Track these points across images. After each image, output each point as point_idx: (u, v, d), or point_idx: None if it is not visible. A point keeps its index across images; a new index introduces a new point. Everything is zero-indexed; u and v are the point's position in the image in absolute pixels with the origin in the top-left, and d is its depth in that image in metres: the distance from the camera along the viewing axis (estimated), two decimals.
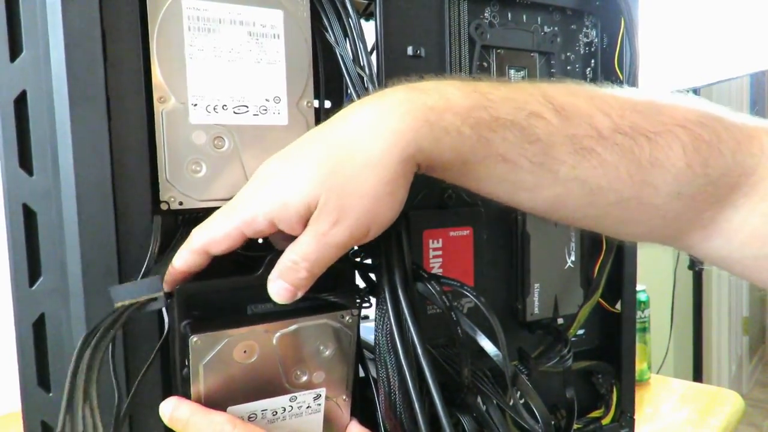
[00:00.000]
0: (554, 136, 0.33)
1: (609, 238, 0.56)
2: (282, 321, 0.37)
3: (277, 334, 0.37)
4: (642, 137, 0.33)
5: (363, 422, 0.42)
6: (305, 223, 0.33)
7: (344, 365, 0.40)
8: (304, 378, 0.38)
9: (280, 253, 0.36)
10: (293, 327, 0.37)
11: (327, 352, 0.39)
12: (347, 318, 0.39)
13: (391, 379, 0.40)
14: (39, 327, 0.38)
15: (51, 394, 0.38)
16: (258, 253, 0.39)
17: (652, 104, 0.35)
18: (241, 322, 0.36)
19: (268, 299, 0.36)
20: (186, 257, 0.35)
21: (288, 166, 0.34)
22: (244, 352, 0.36)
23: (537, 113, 0.33)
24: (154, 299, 0.34)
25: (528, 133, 0.32)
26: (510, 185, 0.35)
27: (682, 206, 0.35)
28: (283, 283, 0.34)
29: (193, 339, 0.34)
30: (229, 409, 0.36)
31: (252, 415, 0.37)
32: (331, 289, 0.40)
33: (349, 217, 0.32)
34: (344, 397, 0.41)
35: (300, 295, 0.35)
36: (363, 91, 0.42)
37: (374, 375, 0.46)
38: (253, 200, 0.34)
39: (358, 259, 0.44)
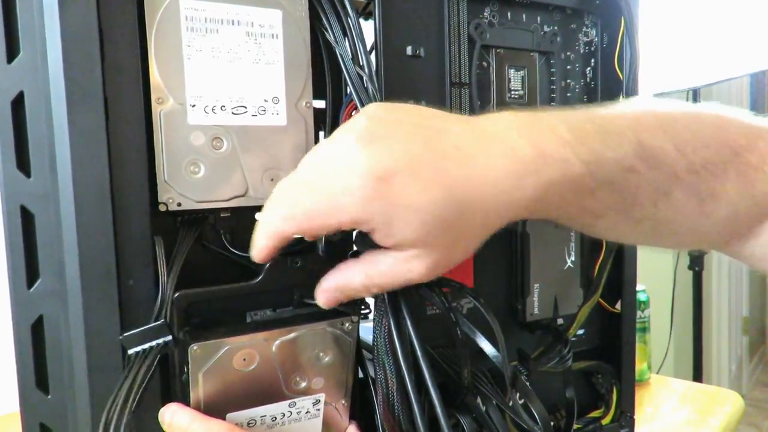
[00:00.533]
0: (642, 187, 0.34)
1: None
2: (281, 329, 0.37)
3: (277, 342, 0.37)
4: (708, 174, 0.35)
5: (361, 423, 0.42)
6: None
7: (343, 371, 0.40)
8: (303, 384, 0.39)
9: (278, 260, 0.37)
10: (292, 335, 0.37)
11: (326, 359, 0.39)
12: (347, 325, 0.39)
13: (390, 381, 0.40)
14: (37, 328, 0.38)
15: (49, 396, 0.38)
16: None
17: (717, 134, 0.36)
18: (240, 329, 0.37)
19: (268, 305, 0.36)
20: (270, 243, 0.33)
21: (410, 176, 0.30)
22: (244, 359, 0.36)
23: (632, 168, 0.33)
24: (165, 344, 0.35)
25: (621, 189, 0.34)
26: (584, 227, 0.37)
27: (728, 226, 0.37)
28: (339, 295, 0.34)
29: (193, 347, 0.34)
30: (229, 415, 0.36)
31: (251, 421, 0.37)
32: None
33: (445, 266, 0.32)
34: (343, 402, 0.41)
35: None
36: (362, 91, 0.42)
37: (373, 376, 0.46)
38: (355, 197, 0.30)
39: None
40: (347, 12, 0.42)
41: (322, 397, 0.39)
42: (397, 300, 0.38)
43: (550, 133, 0.32)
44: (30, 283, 0.37)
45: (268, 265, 0.39)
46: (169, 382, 0.38)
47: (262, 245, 0.33)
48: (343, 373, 0.40)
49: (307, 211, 0.30)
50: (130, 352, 0.34)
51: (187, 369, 0.35)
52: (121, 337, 0.35)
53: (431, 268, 0.32)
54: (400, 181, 0.29)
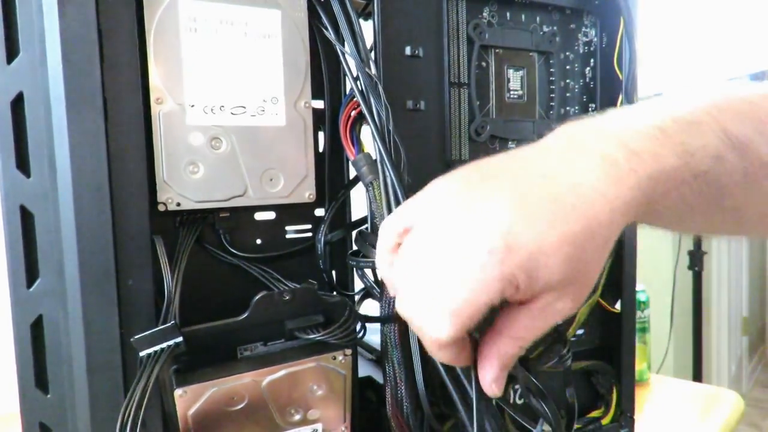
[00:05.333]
0: (733, 175, 0.33)
1: None
2: (270, 367, 0.37)
3: (266, 381, 0.37)
4: None
5: (364, 422, 0.42)
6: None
7: (341, 400, 0.40)
8: (298, 416, 0.38)
9: (265, 295, 0.37)
10: (282, 372, 0.37)
11: (320, 392, 0.39)
12: (339, 358, 0.39)
13: (398, 376, 0.40)
14: (37, 328, 0.38)
15: (49, 396, 0.38)
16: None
17: None
18: (227, 370, 0.36)
19: (258, 339, 0.36)
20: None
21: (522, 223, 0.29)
22: (233, 398, 0.36)
23: (722, 156, 0.32)
24: (176, 345, 0.35)
25: (714, 179, 0.32)
26: (681, 222, 0.35)
27: None
28: (506, 373, 0.33)
29: (178, 392, 0.34)
30: None
31: None
32: (323, 326, 0.40)
33: (587, 292, 0.31)
34: (343, 428, 0.40)
35: None
36: (362, 90, 0.42)
37: (370, 375, 0.46)
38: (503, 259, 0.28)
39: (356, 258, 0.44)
40: (347, 12, 0.42)
41: (319, 427, 0.39)
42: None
43: (633, 131, 0.31)
44: (29, 282, 0.37)
45: (255, 300, 0.39)
46: (165, 406, 0.38)
47: (458, 363, 0.32)
48: (341, 403, 0.40)
49: (453, 309, 0.29)
50: (142, 354, 0.35)
51: (175, 410, 0.35)
52: (132, 340, 0.35)
53: (577, 301, 0.31)
54: (522, 233, 0.28)
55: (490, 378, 0.32)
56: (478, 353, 0.32)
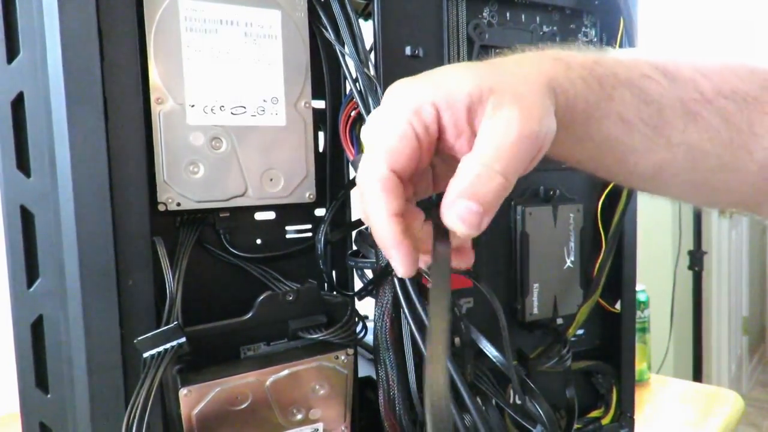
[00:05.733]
0: (665, 98, 0.33)
1: (608, 238, 0.56)
2: (274, 366, 0.37)
3: (270, 380, 0.37)
4: (742, 101, 0.33)
5: (362, 422, 0.42)
6: (472, 123, 0.29)
7: (342, 400, 0.40)
8: (300, 416, 0.38)
9: (269, 295, 0.37)
10: (286, 372, 0.37)
11: (322, 392, 0.39)
12: (342, 358, 0.39)
13: (390, 378, 0.40)
14: (37, 328, 0.38)
15: (49, 396, 0.38)
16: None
17: (746, 68, 0.35)
18: (231, 369, 0.37)
19: (261, 339, 0.36)
20: (380, 198, 0.29)
21: (444, 70, 0.32)
22: (237, 398, 0.36)
23: (648, 75, 0.33)
24: (179, 345, 0.35)
25: (644, 94, 0.33)
26: (623, 148, 0.34)
27: None
28: (467, 203, 0.27)
29: (183, 392, 0.35)
30: None
31: None
32: (325, 326, 0.40)
33: (527, 100, 0.29)
34: (343, 428, 0.40)
35: (486, 224, 0.28)
36: (361, 91, 0.42)
37: (370, 375, 0.46)
38: (413, 91, 0.30)
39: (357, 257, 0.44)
40: (347, 12, 0.42)
41: (320, 426, 0.39)
42: (409, 294, 0.39)
43: (565, 54, 0.34)
44: (30, 282, 0.37)
45: (259, 300, 0.39)
46: (166, 409, 0.38)
47: (405, 153, 0.30)
48: (342, 402, 0.40)
49: (380, 147, 0.29)
50: (145, 355, 0.35)
51: (180, 409, 0.35)
52: (135, 341, 0.35)
53: (523, 113, 0.29)
54: (443, 81, 0.30)
55: (452, 195, 0.28)
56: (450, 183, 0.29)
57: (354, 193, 0.33)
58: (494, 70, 0.31)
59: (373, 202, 0.29)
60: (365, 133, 0.32)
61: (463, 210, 0.28)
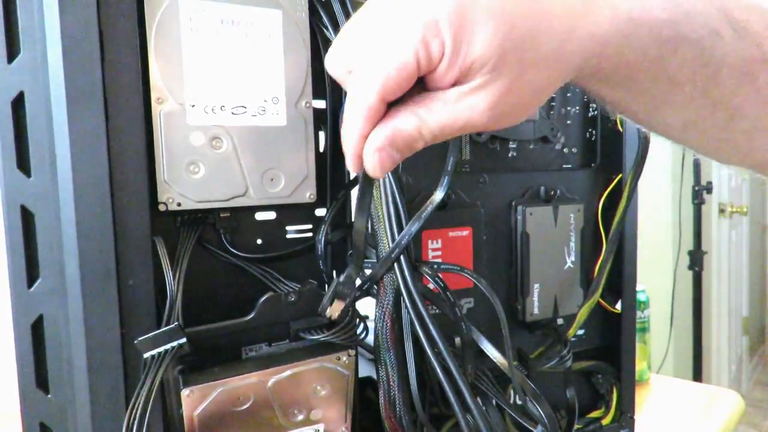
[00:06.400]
0: (727, 57, 0.30)
1: (608, 238, 0.56)
2: (276, 367, 0.37)
3: (272, 381, 0.37)
4: None
5: (363, 422, 0.42)
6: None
7: (343, 400, 0.40)
8: (301, 416, 0.38)
9: (271, 296, 0.37)
10: (288, 372, 0.37)
11: (324, 392, 0.39)
12: (344, 359, 0.39)
13: (391, 378, 0.40)
14: (37, 328, 0.38)
15: (49, 396, 0.38)
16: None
17: None
18: (233, 370, 0.36)
19: (263, 340, 0.36)
20: (364, 125, 0.29)
21: None
22: (239, 399, 0.36)
23: (717, 31, 0.29)
24: (180, 346, 0.35)
25: (706, 54, 0.30)
26: (660, 104, 0.32)
27: None
28: (393, 152, 0.29)
29: (185, 392, 0.34)
30: None
31: None
32: (327, 327, 0.40)
33: (511, 107, 0.28)
34: (344, 429, 0.40)
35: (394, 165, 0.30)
36: None
37: (370, 375, 0.46)
38: (427, 6, 0.26)
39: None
40: (348, 11, 0.42)
41: (321, 427, 0.39)
42: (414, 298, 0.39)
43: None
44: (30, 282, 0.37)
45: (261, 301, 0.39)
46: (167, 407, 0.38)
47: (359, 145, 0.29)
48: (343, 403, 0.40)
49: (377, 69, 0.27)
50: (146, 356, 0.35)
51: (182, 410, 0.35)
52: (136, 342, 0.35)
53: (495, 105, 0.28)
54: None
55: (375, 146, 0.29)
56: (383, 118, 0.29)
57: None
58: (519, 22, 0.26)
59: (353, 122, 0.29)
60: (361, 38, 0.29)
61: (385, 157, 0.29)
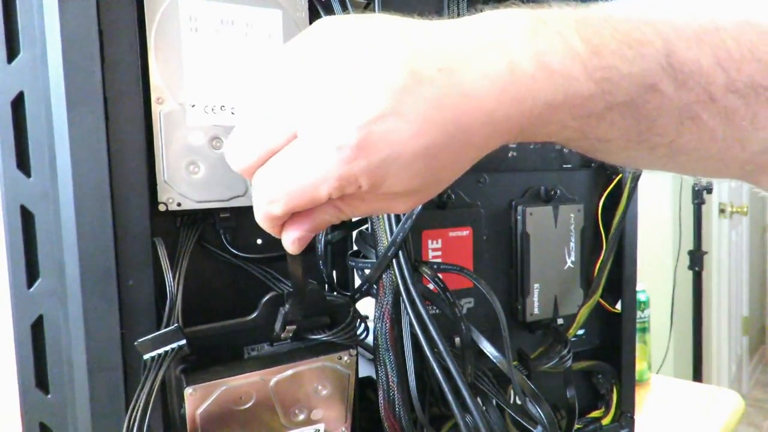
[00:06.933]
0: (664, 109, 0.28)
1: (608, 238, 0.56)
2: (278, 366, 0.37)
3: (274, 380, 0.37)
4: (752, 93, 0.28)
5: (362, 422, 0.42)
6: None
7: (343, 400, 0.40)
8: (302, 416, 0.39)
9: (274, 296, 0.37)
10: (290, 371, 0.37)
11: (325, 392, 0.39)
12: (345, 358, 0.39)
13: (390, 378, 0.40)
14: (37, 328, 0.38)
15: (49, 396, 0.38)
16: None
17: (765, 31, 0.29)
18: (236, 369, 0.36)
19: (265, 340, 0.36)
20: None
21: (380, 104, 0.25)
22: (241, 398, 0.36)
23: (655, 86, 0.27)
24: (180, 347, 0.35)
25: (638, 113, 0.28)
26: (593, 152, 0.31)
27: (766, 159, 0.31)
28: (310, 236, 0.30)
29: (188, 390, 0.34)
30: None
31: None
32: (328, 327, 0.40)
33: (429, 199, 0.29)
34: (343, 429, 0.40)
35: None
36: None
37: (370, 375, 0.46)
38: (340, 156, 0.25)
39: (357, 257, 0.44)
40: (347, 11, 0.42)
41: (321, 427, 0.39)
42: (414, 300, 0.39)
43: (558, 41, 0.26)
44: (30, 282, 0.37)
45: (263, 300, 0.39)
46: (168, 408, 0.38)
47: (276, 234, 0.30)
48: (343, 403, 0.40)
49: (288, 192, 0.27)
50: (146, 357, 0.35)
51: (184, 408, 0.35)
52: (136, 343, 0.35)
53: (411, 205, 0.29)
54: (381, 135, 0.25)
55: (295, 237, 0.30)
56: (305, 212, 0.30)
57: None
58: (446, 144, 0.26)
59: (260, 220, 0.30)
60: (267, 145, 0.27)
61: (304, 244, 0.30)
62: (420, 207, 0.40)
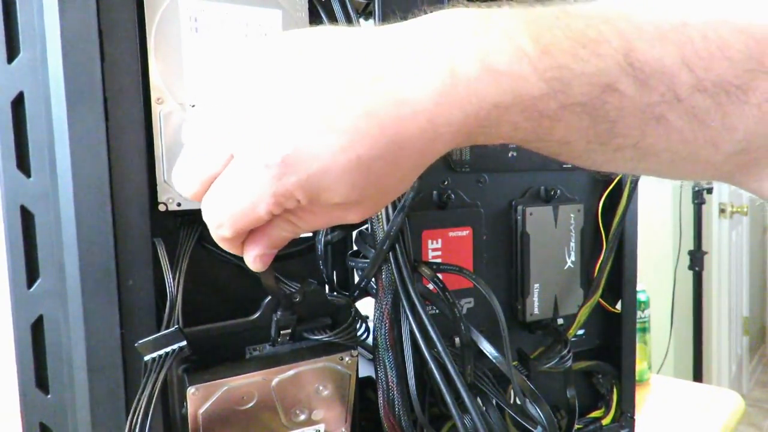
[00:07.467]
0: (625, 110, 0.27)
1: (608, 238, 0.56)
2: (280, 366, 0.37)
3: (276, 380, 0.37)
4: (722, 93, 0.27)
5: (362, 422, 0.42)
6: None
7: (344, 401, 0.40)
8: (303, 417, 0.39)
9: (275, 297, 0.37)
10: (291, 372, 0.37)
11: (326, 393, 0.39)
12: (346, 359, 0.39)
13: (390, 379, 0.40)
14: (37, 328, 0.38)
15: (49, 396, 0.38)
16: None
17: (746, 43, 0.27)
18: (238, 369, 0.37)
19: (267, 340, 0.36)
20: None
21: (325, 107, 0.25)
22: (243, 398, 0.36)
23: (613, 86, 0.26)
24: (180, 349, 0.35)
25: (597, 115, 0.27)
26: (557, 155, 0.31)
27: (743, 160, 0.29)
28: (272, 254, 0.31)
29: (191, 390, 0.34)
30: None
31: None
32: (329, 328, 0.40)
33: (381, 208, 0.31)
34: (343, 430, 0.41)
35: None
36: None
37: (370, 375, 0.46)
38: (276, 172, 0.25)
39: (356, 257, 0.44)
40: (347, 12, 0.42)
41: (322, 427, 0.39)
42: (413, 299, 0.39)
43: (505, 41, 0.25)
44: (30, 282, 0.37)
45: (266, 302, 0.39)
46: (169, 408, 0.38)
47: (239, 254, 0.31)
48: (344, 403, 0.40)
49: (231, 215, 0.28)
50: (146, 358, 0.35)
51: (186, 407, 0.35)
52: (136, 344, 0.35)
53: (364, 214, 0.29)
54: (306, 150, 0.25)
55: (255, 254, 0.30)
56: (260, 230, 0.30)
57: None
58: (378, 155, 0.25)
59: (224, 247, 0.30)
60: (210, 167, 0.28)
61: (267, 262, 0.31)
62: (410, 198, 0.40)
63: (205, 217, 0.29)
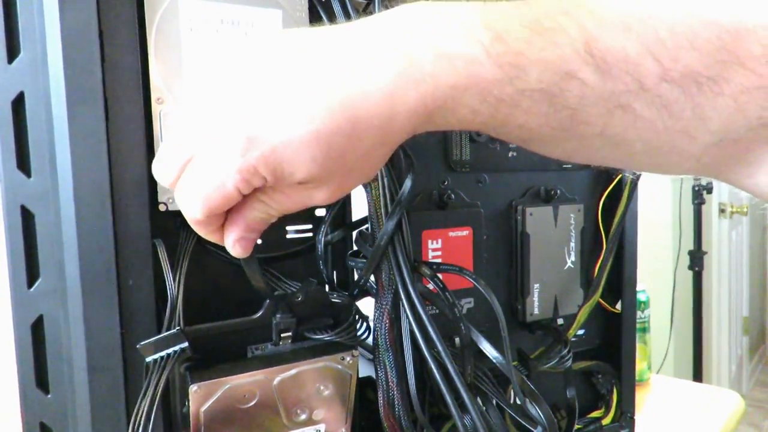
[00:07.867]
0: (587, 99, 0.27)
1: (608, 238, 0.56)
2: (282, 365, 0.37)
3: (277, 379, 0.37)
4: (692, 84, 0.27)
5: (362, 422, 0.42)
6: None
7: (344, 401, 0.40)
8: (304, 416, 0.39)
9: (279, 295, 0.38)
10: (293, 371, 0.37)
11: (327, 392, 0.39)
12: (348, 359, 0.39)
13: (390, 378, 0.40)
14: (37, 328, 0.38)
15: (50, 396, 0.38)
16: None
17: (717, 34, 0.26)
18: (240, 368, 0.37)
19: (269, 339, 0.36)
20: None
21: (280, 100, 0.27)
22: (244, 396, 0.36)
23: (573, 74, 0.27)
24: (182, 350, 0.35)
25: (557, 102, 0.27)
26: (523, 142, 0.31)
27: (723, 152, 0.29)
28: (252, 236, 0.32)
29: (193, 388, 0.35)
30: None
31: None
32: (331, 328, 0.40)
33: (349, 188, 0.31)
34: (343, 430, 0.41)
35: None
36: None
37: (370, 375, 0.46)
38: (244, 145, 0.27)
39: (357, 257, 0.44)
40: (347, 12, 0.42)
41: (322, 427, 0.40)
42: (412, 299, 0.39)
43: (460, 30, 0.27)
44: (30, 282, 0.37)
45: (268, 301, 0.39)
46: (170, 406, 0.38)
47: (219, 242, 0.32)
48: (344, 403, 0.40)
49: (201, 195, 0.29)
50: (148, 360, 0.35)
51: (188, 405, 0.35)
52: (138, 346, 0.35)
53: (332, 194, 0.30)
54: (266, 125, 0.26)
55: (234, 238, 0.31)
56: (228, 212, 0.31)
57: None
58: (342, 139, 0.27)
59: (202, 234, 0.32)
60: (184, 152, 0.29)
61: (247, 245, 0.32)
62: (407, 192, 0.40)
63: (178, 202, 0.30)
